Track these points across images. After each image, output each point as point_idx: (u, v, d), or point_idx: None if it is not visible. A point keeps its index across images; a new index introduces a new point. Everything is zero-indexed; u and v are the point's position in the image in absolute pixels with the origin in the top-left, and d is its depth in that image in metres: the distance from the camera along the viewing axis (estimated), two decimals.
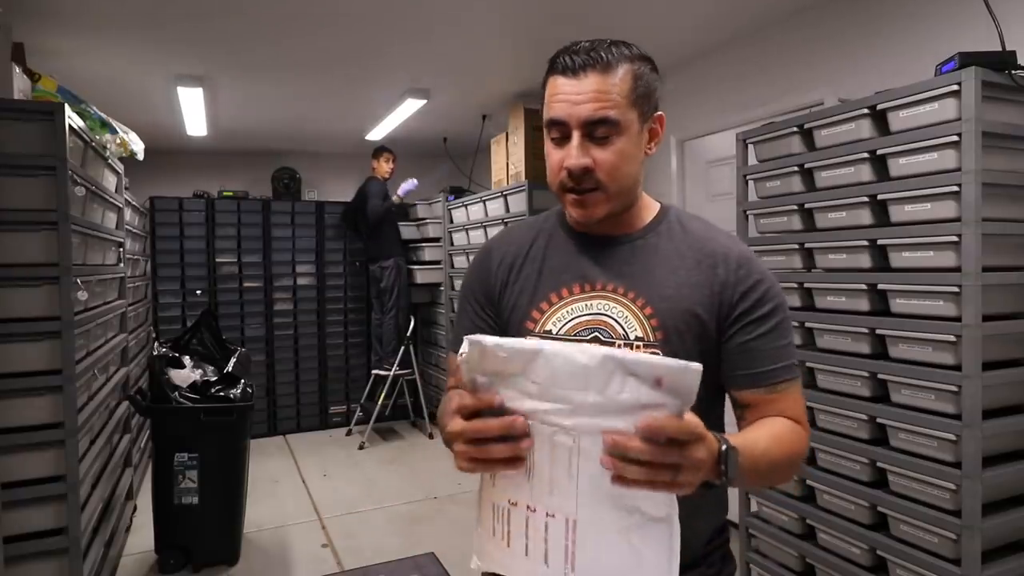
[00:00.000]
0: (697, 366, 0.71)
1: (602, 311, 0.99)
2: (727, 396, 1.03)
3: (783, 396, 0.97)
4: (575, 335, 1.00)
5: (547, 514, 0.79)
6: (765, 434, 0.93)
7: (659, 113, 1.01)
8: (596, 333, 0.99)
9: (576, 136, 0.94)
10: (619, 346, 0.96)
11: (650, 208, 1.07)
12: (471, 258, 1.18)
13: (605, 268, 1.01)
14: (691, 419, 0.72)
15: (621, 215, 1.02)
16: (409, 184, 5.04)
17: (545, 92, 1.01)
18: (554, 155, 0.98)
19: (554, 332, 1.01)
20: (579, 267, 1.03)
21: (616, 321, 0.98)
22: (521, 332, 1.04)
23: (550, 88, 0.98)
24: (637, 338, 0.96)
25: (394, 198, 5.02)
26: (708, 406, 0.97)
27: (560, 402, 0.75)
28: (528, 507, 0.80)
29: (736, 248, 1.01)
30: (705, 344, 0.97)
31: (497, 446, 0.77)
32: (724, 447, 0.78)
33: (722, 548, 1.06)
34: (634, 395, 0.72)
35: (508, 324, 1.07)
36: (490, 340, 0.77)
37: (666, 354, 0.93)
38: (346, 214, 5.40)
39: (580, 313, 1.00)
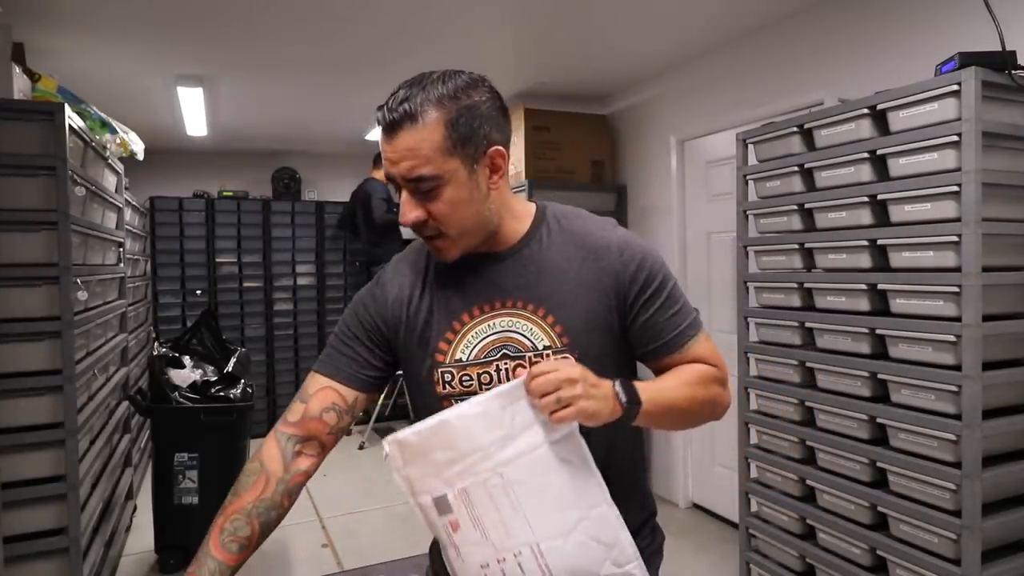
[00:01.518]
0: (523, 375, 0.88)
1: (507, 328, 1.01)
2: (640, 371, 1.08)
3: (691, 350, 1.03)
4: (485, 357, 1.01)
5: (515, 555, 0.88)
6: (672, 375, 1.02)
7: (495, 148, 0.96)
8: (504, 350, 1.00)
9: (404, 192, 0.95)
10: (529, 358, 0.99)
11: (524, 217, 1.05)
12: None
13: (498, 286, 1.02)
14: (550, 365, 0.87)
15: (493, 237, 1.02)
16: None
17: None
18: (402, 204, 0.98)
19: (464, 359, 1.01)
20: (476, 288, 1.03)
21: (522, 335, 1.00)
22: (434, 366, 1.03)
23: (379, 143, 0.97)
24: (545, 347, 0.99)
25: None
26: (611, 428, 1.01)
27: (476, 452, 0.87)
28: (498, 560, 0.88)
29: (613, 235, 1.04)
30: (611, 336, 1.02)
31: None
32: (616, 381, 0.90)
33: (649, 522, 1.14)
34: (525, 413, 0.87)
35: (415, 359, 1.05)
36: (403, 433, 0.90)
37: (577, 355, 0.98)
38: (344, 218, 5.38)
39: (486, 334, 1.01)
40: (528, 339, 1.00)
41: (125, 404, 3.07)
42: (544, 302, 1.00)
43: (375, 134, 5.05)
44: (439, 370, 1.03)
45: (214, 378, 3.08)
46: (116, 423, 2.84)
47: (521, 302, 1.01)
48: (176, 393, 2.87)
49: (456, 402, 1.01)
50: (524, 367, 0.99)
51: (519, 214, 1.05)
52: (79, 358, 2.15)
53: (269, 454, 1.04)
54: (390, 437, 0.90)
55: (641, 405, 0.90)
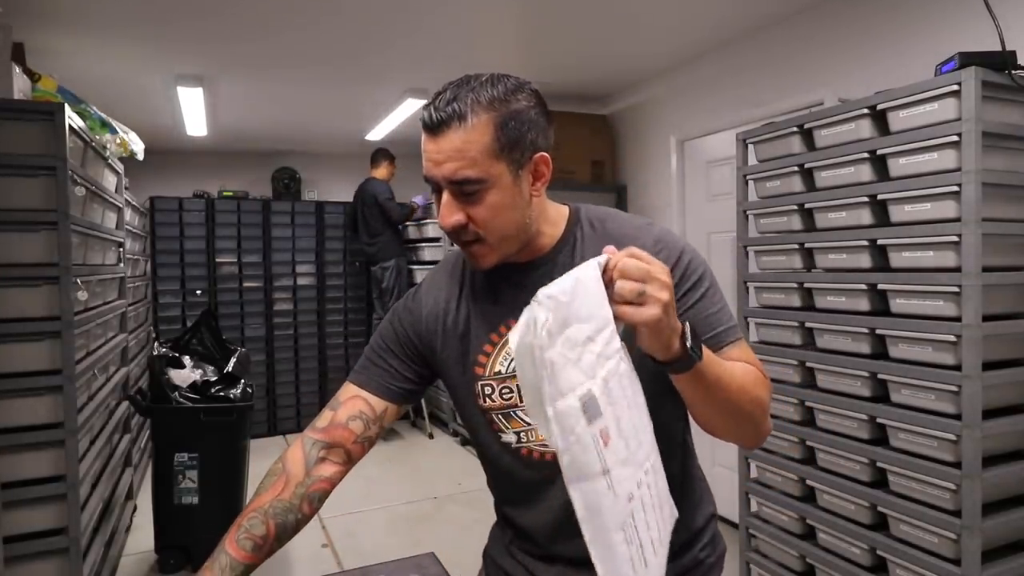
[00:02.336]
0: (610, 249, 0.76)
1: None
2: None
3: (729, 355, 0.95)
4: None
5: (645, 473, 0.73)
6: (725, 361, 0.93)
7: (540, 155, 0.95)
8: None
9: (446, 195, 0.92)
10: None
11: (559, 222, 1.03)
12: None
13: (534, 295, 1.01)
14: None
15: (529, 245, 0.99)
16: (421, 200, 5.20)
17: None
18: (440, 209, 0.95)
19: (503, 371, 1.01)
20: (512, 300, 1.00)
21: None
22: (472, 377, 1.03)
23: (422, 143, 0.94)
24: None
25: (416, 204, 5.14)
26: (662, 397, 0.96)
27: (606, 325, 0.71)
28: (638, 484, 0.71)
29: (650, 233, 1.00)
30: None
31: None
32: (685, 324, 0.80)
33: (711, 530, 1.10)
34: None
35: (454, 372, 1.05)
36: (551, 289, 0.69)
37: None
38: (350, 219, 5.41)
39: None
40: None
41: (125, 404, 3.07)
42: None
43: (375, 134, 5.09)
44: (479, 383, 1.02)
45: (214, 378, 3.08)
46: (116, 423, 2.84)
47: None
48: (176, 393, 2.87)
49: (497, 417, 1.01)
50: None
51: (554, 219, 1.03)
52: (79, 358, 2.15)
53: (293, 457, 1.05)
54: (542, 295, 0.69)
55: (701, 358, 0.80)
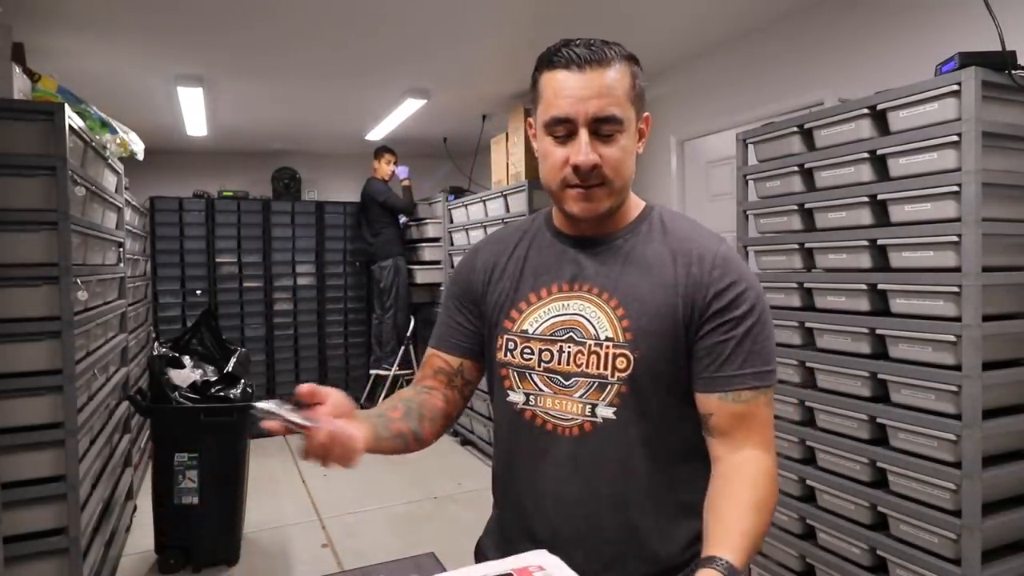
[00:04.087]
0: None
1: (578, 311, 1.00)
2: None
3: (747, 411, 0.92)
4: (551, 335, 1.01)
5: None
6: (728, 505, 0.88)
7: (647, 114, 1.02)
8: (571, 333, 1.00)
9: (584, 133, 0.93)
10: (589, 346, 0.98)
11: (635, 208, 1.07)
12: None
13: (584, 269, 1.02)
14: None
15: (608, 215, 1.02)
16: (403, 171, 5.16)
17: (539, 89, 0.98)
18: (556, 152, 0.96)
19: (530, 332, 1.02)
20: (560, 267, 1.04)
21: (589, 321, 0.99)
22: (500, 330, 1.05)
23: (549, 84, 0.95)
24: (607, 338, 0.97)
25: (404, 182, 5.14)
26: (674, 420, 0.98)
27: None
28: None
29: (716, 248, 0.99)
30: (675, 345, 0.96)
31: None
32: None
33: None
34: None
35: (488, 323, 1.09)
36: None
37: (634, 355, 0.95)
38: (356, 219, 5.44)
39: (557, 313, 1.01)
40: (593, 327, 0.98)
41: (125, 404, 3.07)
42: (618, 293, 0.98)
43: (375, 134, 5.10)
44: (504, 336, 1.05)
45: (214, 378, 3.08)
46: (116, 423, 2.84)
47: (597, 288, 1.00)
48: (176, 393, 2.87)
49: (512, 374, 1.03)
50: (583, 354, 0.98)
51: (634, 203, 1.06)
52: (79, 358, 2.15)
53: (401, 393, 1.15)
54: None
55: None
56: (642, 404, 0.96)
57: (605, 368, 0.96)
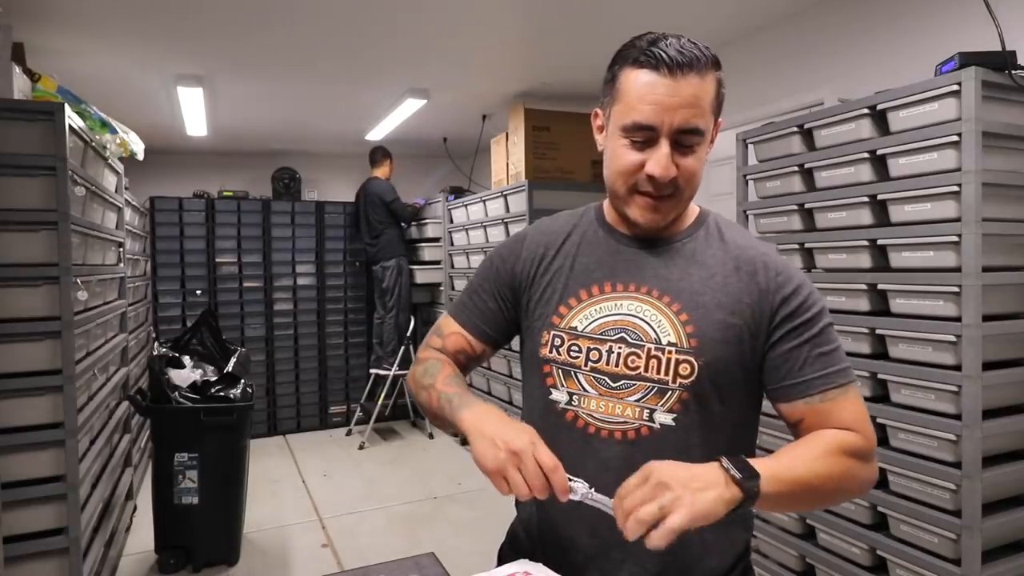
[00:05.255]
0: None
1: (633, 312, 0.96)
2: (762, 419, 0.99)
3: (835, 406, 0.91)
4: (600, 334, 0.97)
5: None
6: (800, 444, 0.89)
7: (720, 120, 0.96)
8: (623, 334, 0.95)
9: (665, 144, 0.89)
10: (648, 350, 0.94)
11: (690, 212, 1.03)
12: (471, 257, 1.21)
13: (640, 270, 0.99)
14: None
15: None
16: (420, 200, 5.31)
17: (619, 86, 0.93)
18: (631, 156, 0.92)
19: (579, 329, 0.98)
20: (612, 266, 1.00)
21: (648, 324, 0.95)
22: (547, 325, 1.01)
23: (633, 84, 0.90)
24: (669, 343, 0.93)
25: (419, 204, 5.24)
26: (732, 429, 0.96)
27: None
28: None
29: (774, 256, 0.98)
30: (740, 354, 0.93)
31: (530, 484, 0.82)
32: (720, 458, 0.79)
33: (743, 561, 1.02)
34: None
35: (532, 316, 1.05)
36: None
37: (699, 362, 0.92)
38: (354, 218, 5.43)
39: (608, 313, 0.97)
40: (653, 330, 0.94)
41: (125, 404, 3.07)
42: (681, 297, 0.94)
43: (375, 134, 5.10)
44: (551, 332, 1.00)
45: (214, 378, 3.08)
46: (116, 423, 2.84)
47: (656, 291, 0.96)
48: (176, 393, 2.87)
49: (556, 371, 0.99)
50: (639, 356, 0.94)
51: (688, 209, 1.02)
52: (79, 358, 2.15)
53: (433, 355, 1.11)
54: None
55: (759, 479, 0.78)
56: (703, 412, 0.93)
57: (666, 373, 0.93)
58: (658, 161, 0.89)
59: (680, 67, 0.86)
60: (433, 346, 1.12)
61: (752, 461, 0.81)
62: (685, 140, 0.89)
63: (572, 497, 0.83)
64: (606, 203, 1.06)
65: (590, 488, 0.85)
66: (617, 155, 0.94)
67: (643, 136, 0.90)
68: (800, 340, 0.92)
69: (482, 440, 0.86)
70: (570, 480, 0.83)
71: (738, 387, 0.95)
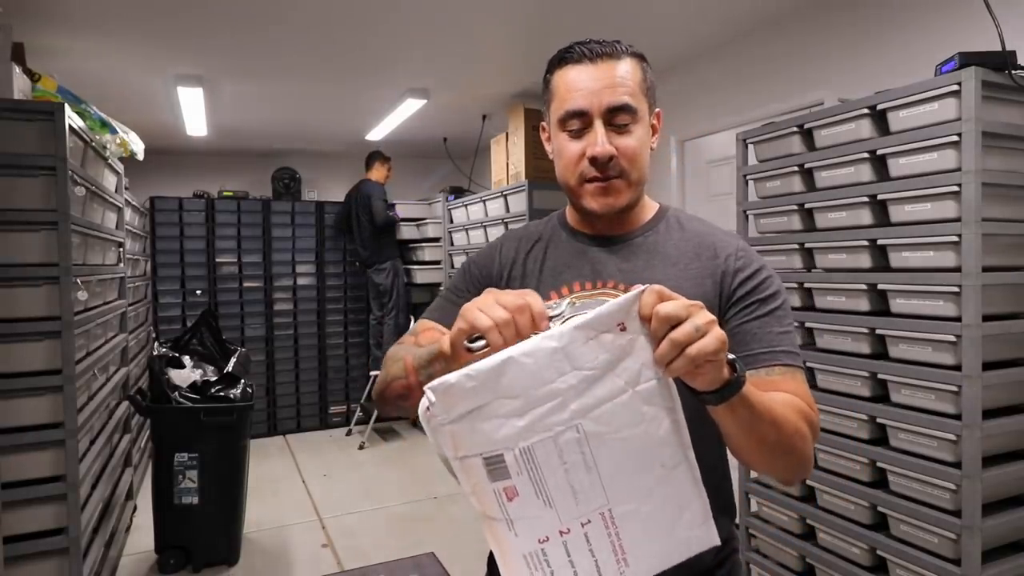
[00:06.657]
0: (640, 287, 0.71)
1: None
2: None
3: (781, 380, 0.91)
4: None
5: (582, 524, 0.72)
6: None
7: (658, 110, 1.03)
8: None
9: (599, 124, 0.94)
10: None
11: (649, 208, 1.08)
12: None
13: (606, 266, 1.02)
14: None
15: (626, 212, 1.02)
16: (399, 212, 5.29)
17: (552, 88, 1.01)
18: (572, 147, 0.97)
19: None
20: (580, 265, 1.03)
21: None
22: None
23: (562, 81, 0.98)
24: None
25: (397, 216, 5.20)
26: (704, 409, 0.96)
27: (548, 400, 0.69)
28: (561, 532, 0.72)
29: (735, 241, 1.02)
30: None
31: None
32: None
33: (730, 559, 1.03)
34: (609, 352, 0.69)
35: None
36: (453, 376, 0.69)
37: None
38: (340, 219, 5.40)
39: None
40: None
41: (125, 404, 3.07)
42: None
43: (375, 134, 5.10)
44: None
45: (214, 378, 3.08)
46: (116, 423, 2.84)
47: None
48: (176, 393, 2.88)
49: None
50: None
51: (646, 203, 1.07)
52: (79, 358, 2.15)
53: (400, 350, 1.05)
54: (433, 383, 0.69)
55: (744, 383, 0.76)
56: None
57: None
58: (594, 141, 0.94)
59: (600, 55, 0.95)
60: (404, 343, 1.10)
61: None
62: (618, 120, 0.94)
63: (552, 312, 0.76)
64: (568, 208, 1.10)
65: (571, 301, 0.79)
66: (560, 150, 0.99)
67: (579, 124, 0.96)
68: (752, 316, 0.95)
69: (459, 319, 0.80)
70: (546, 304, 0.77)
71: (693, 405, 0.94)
